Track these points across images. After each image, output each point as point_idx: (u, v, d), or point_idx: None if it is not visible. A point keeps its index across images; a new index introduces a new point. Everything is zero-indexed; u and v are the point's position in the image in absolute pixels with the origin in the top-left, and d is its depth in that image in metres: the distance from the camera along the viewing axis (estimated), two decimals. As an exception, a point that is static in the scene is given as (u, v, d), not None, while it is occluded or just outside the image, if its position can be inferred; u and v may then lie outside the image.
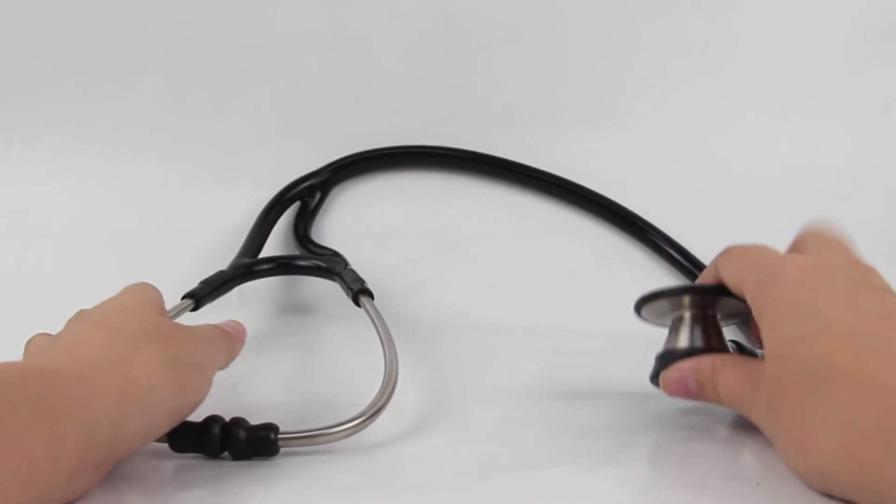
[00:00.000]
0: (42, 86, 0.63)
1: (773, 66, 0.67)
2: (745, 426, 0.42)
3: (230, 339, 0.42)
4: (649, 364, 0.45)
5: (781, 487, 0.35)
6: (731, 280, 0.39)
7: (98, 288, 0.40)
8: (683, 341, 0.41)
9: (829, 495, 0.33)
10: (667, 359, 0.41)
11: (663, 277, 0.61)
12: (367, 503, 0.35)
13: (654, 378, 0.42)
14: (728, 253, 0.41)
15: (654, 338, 0.42)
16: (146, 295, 0.40)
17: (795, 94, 0.67)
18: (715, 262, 0.41)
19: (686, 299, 0.42)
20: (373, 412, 0.39)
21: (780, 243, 0.53)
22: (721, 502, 0.35)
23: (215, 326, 0.42)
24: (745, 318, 0.43)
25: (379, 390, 0.40)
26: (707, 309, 0.42)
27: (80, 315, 0.38)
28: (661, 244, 0.61)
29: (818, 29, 0.66)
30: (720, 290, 0.41)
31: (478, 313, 0.56)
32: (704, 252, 0.60)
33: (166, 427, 0.36)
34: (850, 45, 0.67)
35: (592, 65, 0.66)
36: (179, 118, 0.64)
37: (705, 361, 0.40)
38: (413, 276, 0.59)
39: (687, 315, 0.42)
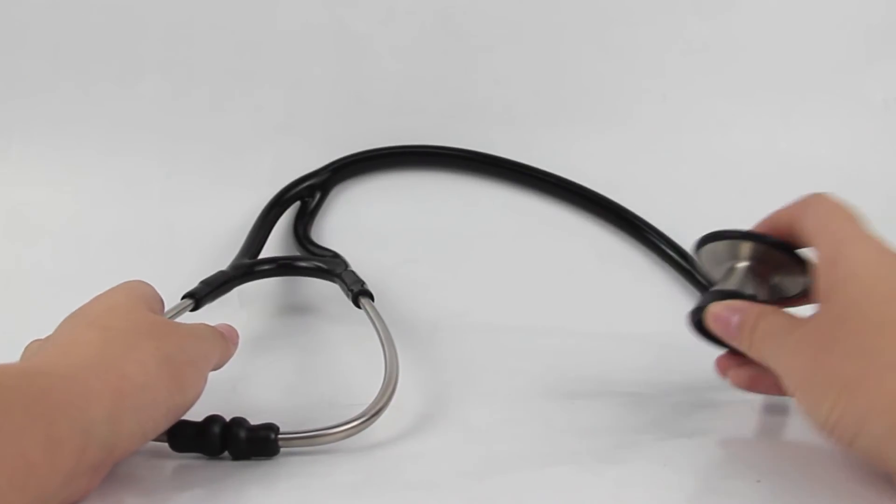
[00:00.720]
0: (42, 85, 0.63)
1: (773, 66, 0.67)
2: (743, 424, 0.42)
3: (224, 339, 0.42)
4: (649, 364, 0.45)
5: (781, 484, 0.35)
6: (810, 227, 0.39)
7: (98, 288, 0.40)
8: (734, 284, 0.41)
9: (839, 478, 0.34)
10: (716, 296, 0.41)
11: (663, 278, 0.61)
12: (367, 503, 0.35)
13: (697, 312, 0.41)
14: (819, 201, 0.40)
15: (654, 338, 0.42)
16: (137, 292, 0.40)
17: (795, 94, 0.67)
18: (795, 207, 0.40)
19: (750, 247, 0.42)
20: (373, 413, 0.39)
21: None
22: (722, 500, 0.35)
23: (209, 325, 0.42)
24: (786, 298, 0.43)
25: (379, 391, 0.40)
26: (764, 264, 0.42)
27: (72, 315, 0.38)
28: (659, 244, 0.61)
29: (818, 29, 0.66)
30: (785, 247, 0.41)
31: (478, 313, 0.56)
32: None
33: (163, 425, 0.36)
34: (850, 46, 0.67)
35: (592, 65, 0.66)
36: (179, 118, 0.64)
37: (755, 307, 0.39)
38: (413, 276, 0.59)
39: (745, 265, 0.42)
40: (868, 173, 0.66)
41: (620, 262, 0.62)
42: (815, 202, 0.40)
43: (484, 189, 0.65)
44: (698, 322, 0.41)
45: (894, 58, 0.67)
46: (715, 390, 0.42)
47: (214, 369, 0.40)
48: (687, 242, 0.61)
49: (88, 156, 0.63)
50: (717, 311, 0.40)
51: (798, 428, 0.41)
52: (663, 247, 0.61)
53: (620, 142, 0.66)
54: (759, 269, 0.42)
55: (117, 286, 0.40)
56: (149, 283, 0.42)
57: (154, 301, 0.41)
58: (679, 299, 0.59)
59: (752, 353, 0.39)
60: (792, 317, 0.38)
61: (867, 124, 0.67)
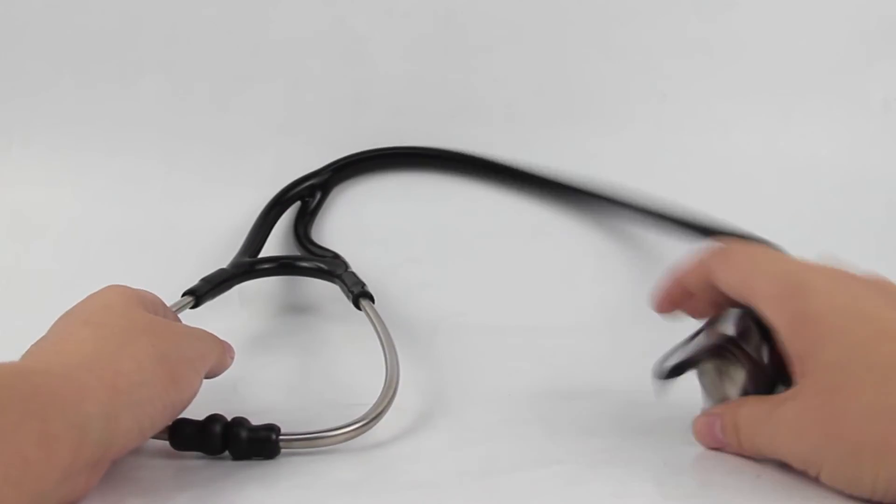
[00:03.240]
0: (42, 85, 0.63)
1: (774, 66, 0.67)
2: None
3: (222, 345, 0.42)
4: (648, 363, 0.45)
5: (781, 478, 0.36)
6: (734, 287, 0.37)
7: (98, 288, 0.40)
8: (733, 392, 0.39)
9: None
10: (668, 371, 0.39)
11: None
12: (367, 503, 0.35)
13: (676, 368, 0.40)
14: (726, 256, 0.38)
15: (654, 338, 0.42)
16: (131, 291, 0.40)
17: (795, 94, 0.67)
18: (705, 262, 0.39)
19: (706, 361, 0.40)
20: (374, 416, 0.39)
21: (780, 243, 0.53)
22: (723, 496, 0.35)
23: (206, 331, 0.42)
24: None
25: (380, 395, 0.40)
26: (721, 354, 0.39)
27: (66, 314, 0.38)
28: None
29: (818, 29, 0.66)
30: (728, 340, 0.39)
31: (478, 313, 0.56)
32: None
33: (160, 423, 0.36)
34: (850, 46, 0.67)
35: (593, 65, 0.66)
36: (180, 117, 0.64)
37: (730, 405, 0.38)
38: (413, 276, 0.59)
39: (711, 366, 0.40)
40: (868, 173, 0.66)
41: (620, 262, 0.62)
42: (723, 265, 0.38)
43: (484, 189, 0.65)
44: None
45: (894, 58, 0.67)
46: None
47: (210, 377, 0.40)
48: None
49: (89, 156, 0.63)
50: (701, 426, 0.39)
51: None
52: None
53: (620, 141, 0.66)
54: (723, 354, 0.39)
55: (111, 286, 0.40)
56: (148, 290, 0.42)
57: (150, 302, 0.41)
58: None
59: (746, 451, 0.37)
60: (769, 398, 0.36)
61: (867, 124, 0.67)
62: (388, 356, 0.43)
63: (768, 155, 0.66)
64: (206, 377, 0.40)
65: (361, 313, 0.48)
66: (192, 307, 0.47)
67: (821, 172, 0.65)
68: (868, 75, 0.67)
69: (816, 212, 0.63)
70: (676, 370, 0.39)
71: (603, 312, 0.57)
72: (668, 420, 0.43)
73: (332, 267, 0.54)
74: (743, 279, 0.37)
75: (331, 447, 0.38)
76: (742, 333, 0.39)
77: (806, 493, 0.34)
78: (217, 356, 0.41)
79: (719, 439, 0.38)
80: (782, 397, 0.36)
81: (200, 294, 0.48)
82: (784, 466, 0.36)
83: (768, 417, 0.36)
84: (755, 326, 0.39)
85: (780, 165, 0.66)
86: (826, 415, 0.33)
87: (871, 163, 0.66)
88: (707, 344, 0.39)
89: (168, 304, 0.44)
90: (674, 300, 0.42)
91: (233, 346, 0.43)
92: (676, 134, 0.66)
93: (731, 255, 0.38)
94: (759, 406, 0.37)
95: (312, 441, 0.38)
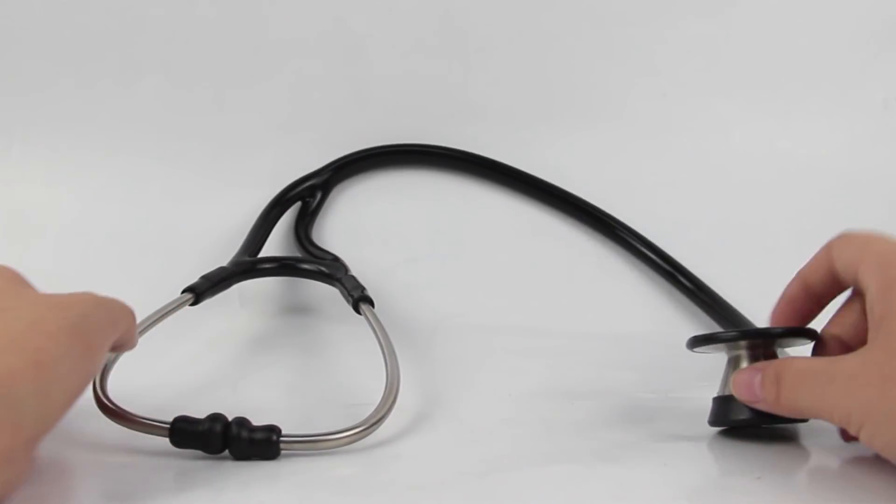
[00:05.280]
0: (42, 84, 0.63)
1: (774, 65, 0.67)
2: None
3: (132, 314, 0.39)
4: (648, 363, 0.45)
5: (782, 480, 0.36)
6: (847, 263, 0.39)
7: (99, 288, 0.40)
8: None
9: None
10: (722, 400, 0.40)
11: (660, 278, 0.61)
12: (368, 503, 0.35)
13: (715, 422, 0.41)
14: (846, 237, 0.40)
15: (654, 338, 0.43)
16: (12, 271, 0.39)
17: (795, 93, 0.67)
18: (828, 247, 0.40)
19: (743, 343, 0.40)
20: (374, 421, 0.39)
21: (780, 244, 0.54)
22: (723, 497, 0.35)
23: (115, 299, 0.39)
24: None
25: (381, 401, 0.40)
26: (764, 350, 0.40)
27: None
28: (647, 252, 0.61)
29: (818, 28, 0.66)
30: (781, 334, 0.40)
31: (478, 313, 0.56)
32: (704, 252, 0.60)
33: (81, 391, 0.35)
34: (851, 45, 0.67)
35: (591, 64, 0.66)
36: (180, 116, 0.64)
37: (776, 361, 0.38)
38: (413, 276, 0.59)
39: (744, 354, 0.40)
40: (868, 173, 0.66)
41: (619, 263, 0.62)
42: (841, 242, 0.40)
43: (485, 188, 0.65)
44: (726, 418, 0.40)
45: (894, 58, 0.67)
46: (713, 388, 0.42)
47: (119, 349, 0.39)
48: (686, 243, 0.61)
49: (89, 155, 0.63)
50: (741, 378, 0.39)
51: (797, 424, 0.41)
52: (649, 254, 0.61)
53: (619, 141, 0.66)
54: (764, 353, 0.40)
55: None
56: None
57: (26, 280, 0.40)
58: (677, 297, 0.59)
59: (781, 405, 0.37)
60: (820, 359, 0.37)
61: (867, 124, 0.67)
62: (388, 361, 0.43)
63: (768, 155, 0.66)
64: (116, 349, 0.39)
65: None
66: (192, 304, 0.47)
67: (821, 172, 0.65)
68: (868, 75, 0.67)
69: (816, 212, 0.63)
70: (701, 339, 0.40)
71: (603, 312, 0.57)
72: (669, 420, 0.43)
73: (332, 270, 0.53)
74: (856, 255, 0.38)
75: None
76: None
77: (806, 495, 0.34)
78: (127, 324, 0.39)
79: (756, 394, 0.38)
80: (837, 360, 0.36)
81: (200, 291, 0.48)
82: (784, 468, 0.36)
83: (822, 369, 0.36)
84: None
85: (781, 165, 0.66)
86: (885, 371, 0.34)
87: (871, 163, 0.66)
88: (741, 330, 0.40)
89: (167, 302, 0.44)
90: (798, 307, 0.42)
91: (233, 346, 0.43)
92: (675, 134, 0.66)
93: (850, 236, 0.40)
94: (813, 361, 0.37)
95: (313, 444, 0.38)
